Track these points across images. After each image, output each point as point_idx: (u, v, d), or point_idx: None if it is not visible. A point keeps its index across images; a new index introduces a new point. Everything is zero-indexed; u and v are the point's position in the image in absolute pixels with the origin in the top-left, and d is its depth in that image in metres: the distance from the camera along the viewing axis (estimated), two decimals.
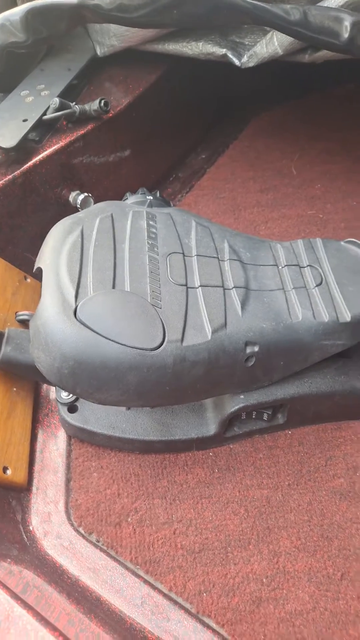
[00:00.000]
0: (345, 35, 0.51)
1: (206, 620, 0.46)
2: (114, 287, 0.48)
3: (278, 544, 0.50)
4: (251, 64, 0.73)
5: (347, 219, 0.83)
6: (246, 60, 0.73)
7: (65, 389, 0.48)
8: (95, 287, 0.47)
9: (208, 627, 0.46)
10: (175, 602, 0.47)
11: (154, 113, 0.90)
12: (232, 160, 0.98)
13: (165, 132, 0.96)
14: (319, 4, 0.54)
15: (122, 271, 0.50)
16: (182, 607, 0.47)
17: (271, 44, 0.68)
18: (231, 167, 0.97)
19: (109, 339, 0.45)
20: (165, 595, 0.47)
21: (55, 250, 0.51)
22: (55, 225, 0.55)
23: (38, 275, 0.51)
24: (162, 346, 0.46)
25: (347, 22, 0.50)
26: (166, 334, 0.46)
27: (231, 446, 0.57)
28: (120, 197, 0.72)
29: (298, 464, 0.55)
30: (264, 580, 0.48)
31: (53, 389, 0.62)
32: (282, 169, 0.95)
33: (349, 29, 0.50)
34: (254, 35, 0.74)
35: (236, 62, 0.74)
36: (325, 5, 0.54)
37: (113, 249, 0.52)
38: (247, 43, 0.75)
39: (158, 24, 0.57)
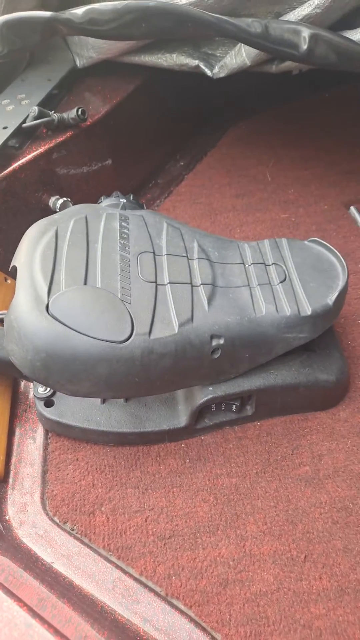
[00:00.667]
0: (304, 46, 0.54)
1: (175, 602, 0.48)
2: (85, 283, 0.50)
3: (245, 529, 0.52)
4: (222, 75, 0.76)
5: (318, 222, 0.87)
6: (217, 71, 0.77)
7: (38, 381, 0.51)
8: (67, 284, 0.50)
9: (176, 608, 0.47)
10: (146, 586, 0.49)
11: (132, 122, 0.94)
12: (209, 167, 1.01)
13: (144, 140, 0.99)
14: (280, 19, 0.58)
15: (94, 269, 0.52)
16: (152, 590, 0.49)
17: (239, 56, 0.71)
18: (208, 173, 1.00)
19: (80, 332, 0.47)
20: (135, 579, 0.49)
21: (30, 249, 0.53)
22: (31, 227, 0.57)
23: (13, 273, 0.53)
24: (131, 339, 0.48)
25: (305, 34, 0.53)
26: (134, 328, 0.49)
27: (202, 437, 0.59)
28: None
29: (266, 453, 0.57)
30: (231, 563, 0.50)
31: (31, 385, 0.64)
32: (257, 175, 0.98)
33: (307, 40, 0.54)
34: (225, 47, 0.78)
35: (208, 72, 0.78)
36: (286, 19, 0.58)
37: (86, 249, 0.54)
38: (218, 55, 0.78)
39: (128, 36, 0.60)
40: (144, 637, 0.45)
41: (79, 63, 0.89)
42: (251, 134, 1.09)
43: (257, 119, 1.13)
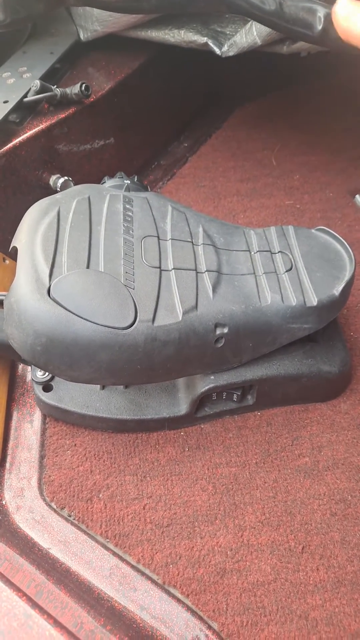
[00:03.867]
0: (319, 27, 0.52)
1: (172, 590, 0.48)
2: (88, 267, 0.49)
3: (243, 518, 0.52)
4: (231, 53, 0.74)
5: (323, 209, 0.85)
6: (226, 49, 0.74)
7: (38, 366, 0.49)
8: (69, 267, 0.48)
9: (173, 597, 0.47)
10: (143, 573, 0.49)
11: (136, 100, 0.91)
12: (213, 150, 0.99)
13: (148, 119, 0.96)
14: None
15: (97, 252, 0.51)
16: (149, 578, 0.48)
17: (250, 34, 0.69)
18: (213, 156, 0.98)
19: (82, 317, 0.46)
20: (133, 567, 0.49)
21: (31, 229, 0.51)
22: (32, 206, 0.55)
23: (13, 254, 0.52)
24: (134, 325, 0.47)
25: (321, 13, 0.51)
26: (138, 314, 0.47)
27: (202, 426, 0.59)
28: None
29: (266, 444, 0.57)
30: (229, 552, 0.50)
31: (29, 369, 0.63)
32: (263, 160, 0.97)
33: (322, 20, 0.51)
34: (235, 25, 0.75)
35: (217, 50, 0.75)
36: None
37: (89, 231, 0.52)
38: (228, 32, 0.76)
39: (136, 10, 0.57)
40: (141, 625, 0.45)
41: (83, 36, 0.86)
42: (258, 116, 1.06)
43: (264, 101, 1.10)
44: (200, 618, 0.46)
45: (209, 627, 0.45)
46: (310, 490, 0.53)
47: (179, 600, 0.47)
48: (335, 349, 0.59)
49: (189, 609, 0.46)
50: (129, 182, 0.64)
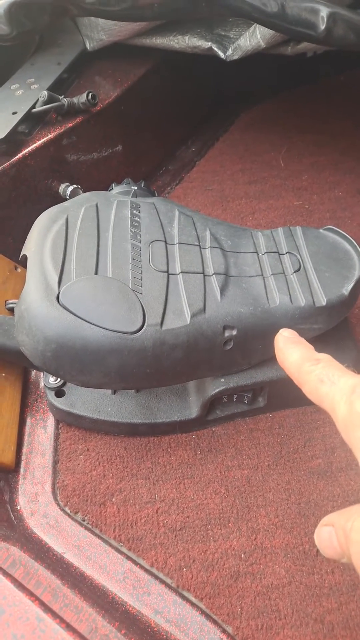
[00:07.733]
0: (322, 26, 0.52)
1: (186, 594, 0.48)
2: (96, 273, 0.50)
3: (257, 521, 0.52)
4: (236, 57, 0.74)
5: (332, 209, 0.85)
6: (231, 53, 0.74)
7: (49, 372, 0.50)
8: (78, 273, 0.49)
9: (187, 600, 0.47)
10: (156, 577, 0.49)
11: (143, 106, 0.92)
12: (221, 153, 0.99)
13: (155, 125, 0.97)
14: None
15: (105, 258, 0.51)
16: (162, 581, 0.48)
17: (254, 37, 0.69)
18: (220, 159, 0.98)
19: (91, 323, 0.46)
20: (146, 571, 0.49)
21: (40, 237, 0.52)
22: (41, 214, 0.56)
23: (23, 262, 0.53)
24: (142, 330, 0.47)
25: (323, 13, 0.51)
26: (146, 318, 0.48)
27: (213, 429, 0.59)
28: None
29: (278, 446, 0.57)
30: (242, 555, 0.50)
31: (42, 375, 0.64)
32: (271, 161, 0.96)
33: (325, 20, 0.52)
34: (239, 29, 0.75)
35: (221, 55, 0.76)
36: None
37: (97, 237, 0.53)
38: (232, 36, 0.76)
39: (140, 18, 0.58)
40: (155, 629, 0.45)
41: (89, 46, 0.87)
42: (264, 118, 1.07)
43: (271, 103, 1.10)
44: (215, 622, 0.46)
45: (224, 631, 0.45)
46: (324, 492, 0.53)
47: (193, 604, 0.47)
48: (346, 349, 0.58)
49: (203, 612, 0.46)
50: (136, 187, 0.64)
